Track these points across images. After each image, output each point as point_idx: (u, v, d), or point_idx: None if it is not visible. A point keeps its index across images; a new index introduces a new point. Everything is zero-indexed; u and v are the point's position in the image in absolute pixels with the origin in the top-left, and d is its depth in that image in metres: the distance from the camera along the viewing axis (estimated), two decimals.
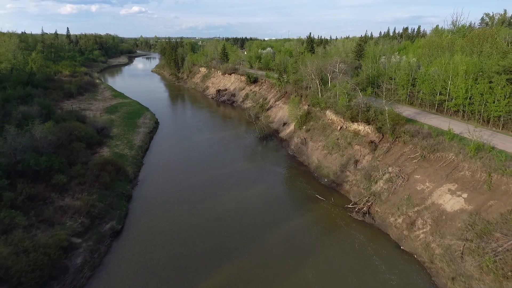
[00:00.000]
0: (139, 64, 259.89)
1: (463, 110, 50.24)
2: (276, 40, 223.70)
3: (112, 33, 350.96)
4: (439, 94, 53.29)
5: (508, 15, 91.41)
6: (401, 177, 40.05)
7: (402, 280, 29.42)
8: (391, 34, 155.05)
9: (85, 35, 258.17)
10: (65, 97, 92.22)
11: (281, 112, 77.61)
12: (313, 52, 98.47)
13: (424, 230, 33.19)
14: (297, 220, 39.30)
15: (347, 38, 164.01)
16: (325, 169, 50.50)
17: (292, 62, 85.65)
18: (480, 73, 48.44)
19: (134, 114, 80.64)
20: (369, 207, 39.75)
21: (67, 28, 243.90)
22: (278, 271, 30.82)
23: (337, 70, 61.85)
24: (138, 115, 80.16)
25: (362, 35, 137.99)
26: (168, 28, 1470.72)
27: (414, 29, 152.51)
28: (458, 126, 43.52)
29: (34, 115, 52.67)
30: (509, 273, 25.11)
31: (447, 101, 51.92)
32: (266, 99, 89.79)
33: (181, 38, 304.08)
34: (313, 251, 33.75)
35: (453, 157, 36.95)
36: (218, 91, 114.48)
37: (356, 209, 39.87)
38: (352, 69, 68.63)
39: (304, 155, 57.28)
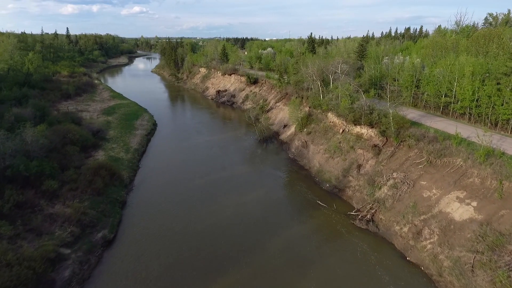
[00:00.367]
0: (139, 64, 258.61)
1: (469, 113, 48.56)
2: (277, 40, 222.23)
3: (113, 33, 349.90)
4: (445, 96, 51.62)
5: None
6: (406, 183, 38.41)
7: None
8: (392, 34, 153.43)
9: (85, 35, 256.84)
10: (62, 98, 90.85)
11: (282, 114, 76.01)
12: (314, 53, 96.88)
13: (432, 240, 31.54)
14: (297, 228, 37.69)
15: (349, 38, 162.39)
16: (326, 174, 48.88)
17: (293, 62, 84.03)
18: (487, 74, 46.82)
19: (132, 116, 79.16)
20: (373, 215, 38.11)
21: (67, 28, 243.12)
22: (277, 283, 29.28)
23: (339, 71, 60.20)
24: (136, 117, 78.67)
25: (364, 35, 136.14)
26: (169, 28, 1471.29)
27: (416, 29, 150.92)
28: (465, 130, 41.80)
29: (27, 118, 51.25)
30: None
31: (453, 103, 50.26)
32: (266, 101, 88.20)
33: (181, 38, 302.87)
34: (314, 261, 32.15)
35: (461, 163, 35.29)
36: (218, 92, 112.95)
37: (359, 217, 38.23)
38: (354, 70, 66.96)
39: (305, 158, 55.67)
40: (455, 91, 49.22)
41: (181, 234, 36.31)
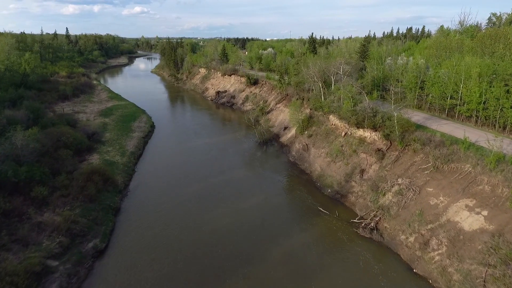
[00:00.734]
0: (139, 64, 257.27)
1: (476, 116, 46.91)
2: (278, 41, 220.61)
3: (114, 33, 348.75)
4: (450, 98, 49.96)
5: None
6: (411, 190, 36.76)
7: None
8: (394, 34, 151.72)
9: (85, 35, 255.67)
10: (59, 99, 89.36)
11: (282, 116, 74.40)
12: (316, 53, 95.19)
13: (440, 251, 29.89)
14: (297, 237, 36.06)
15: (350, 38, 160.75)
16: (328, 178, 47.25)
17: (294, 63, 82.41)
18: (494, 76, 45.18)
19: (129, 117, 77.62)
20: (377, 223, 36.46)
21: (66, 28, 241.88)
22: None
23: (341, 72, 58.55)
24: (134, 118, 77.13)
25: (365, 36, 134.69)
26: (170, 28, 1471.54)
27: (418, 29, 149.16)
28: (472, 133, 40.11)
29: (20, 120, 49.76)
30: None
31: (459, 105, 48.61)
32: (266, 102, 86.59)
33: (181, 38, 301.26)
34: (316, 272, 30.53)
35: (470, 169, 33.63)
36: (218, 92, 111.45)
37: (363, 225, 36.58)
38: (356, 70, 65.27)
39: (306, 162, 54.04)
40: (461, 93, 47.58)
41: (176, 242, 34.77)
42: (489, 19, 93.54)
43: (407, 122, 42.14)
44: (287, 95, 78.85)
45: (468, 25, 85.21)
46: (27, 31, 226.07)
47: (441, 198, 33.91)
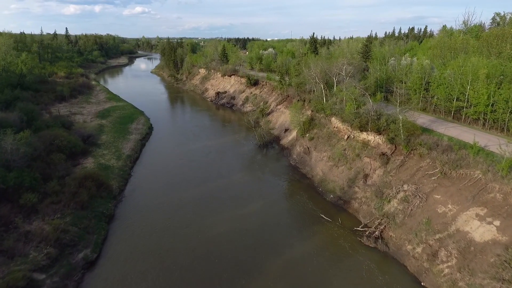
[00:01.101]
0: (139, 65, 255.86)
1: (484, 118, 45.21)
2: (278, 41, 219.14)
3: (115, 33, 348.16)
4: (456, 100, 48.30)
5: None
6: (418, 197, 35.11)
7: None
8: (396, 34, 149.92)
9: (86, 35, 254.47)
10: (56, 100, 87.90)
11: (283, 117, 72.79)
12: (317, 53, 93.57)
13: (449, 264, 28.25)
14: (298, 246, 34.43)
15: (351, 38, 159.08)
16: (330, 183, 45.62)
17: (295, 63, 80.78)
18: (502, 77, 43.52)
19: (127, 119, 76.10)
20: (382, 231, 34.83)
21: (66, 28, 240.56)
22: None
23: (343, 73, 56.88)
24: (131, 120, 75.60)
25: (366, 36, 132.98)
26: (171, 28, 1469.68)
27: (420, 29, 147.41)
28: (480, 137, 38.25)
29: (12, 123, 48.28)
30: None
31: (466, 107, 46.93)
32: (267, 103, 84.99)
33: (181, 38, 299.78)
34: (317, 285, 28.96)
35: (480, 176, 31.95)
36: (218, 93, 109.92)
37: (367, 233, 34.94)
38: (359, 71, 63.58)
39: (307, 166, 52.42)
40: (468, 94, 45.91)
41: (171, 252, 33.22)
42: (493, 18, 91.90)
43: (413, 126, 40.47)
44: (288, 96, 77.27)
45: (472, 24, 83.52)
46: (29, 31, 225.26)
47: (449, 206, 32.26)
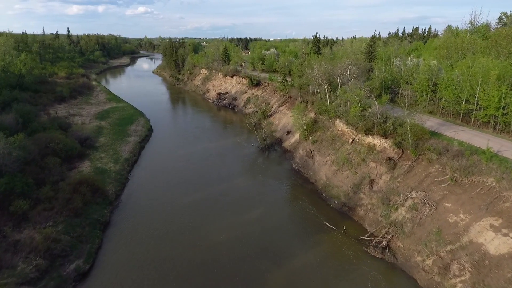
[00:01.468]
0: (141, 65, 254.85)
1: (494, 122, 43.42)
2: (281, 41, 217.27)
3: (118, 33, 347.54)
4: (465, 102, 46.51)
5: None
6: (427, 205, 33.41)
7: None
8: (400, 34, 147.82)
9: (87, 35, 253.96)
10: (56, 101, 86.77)
11: (285, 119, 71.18)
12: (320, 54, 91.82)
13: (463, 278, 26.56)
14: (301, 256, 32.83)
15: (355, 38, 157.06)
16: (334, 189, 43.98)
17: (297, 64, 79.11)
18: None
19: (127, 120, 74.73)
20: (389, 241, 33.17)
21: (68, 28, 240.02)
22: None
23: (347, 74, 55.16)
24: (131, 122, 74.23)
25: (369, 35, 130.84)
26: (173, 28, 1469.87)
27: (425, 29, 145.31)
28: (492, 142, 36.24)
29: (7, 125, 47.04)
30: None
31: (476, 110, 45.16)
32: (269, 104, 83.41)
33: (183, 38, 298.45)
34: None
35: (494, 183, 30.23)
36: (219, 94, 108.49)
37: (374, 243, 33.30)
38: (364, 72, 61.83)
39: (311, 170, 50.78)
40: (478, 97, 44.12)
41: (168, 260, 31.79)
42: (499, 18, 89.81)
43: (422, 129, 38.73)
44: (291, 97, 75.66)
45: (479, 24, 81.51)
46: (32, 32, 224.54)
47: (461, 215, 30.55)
